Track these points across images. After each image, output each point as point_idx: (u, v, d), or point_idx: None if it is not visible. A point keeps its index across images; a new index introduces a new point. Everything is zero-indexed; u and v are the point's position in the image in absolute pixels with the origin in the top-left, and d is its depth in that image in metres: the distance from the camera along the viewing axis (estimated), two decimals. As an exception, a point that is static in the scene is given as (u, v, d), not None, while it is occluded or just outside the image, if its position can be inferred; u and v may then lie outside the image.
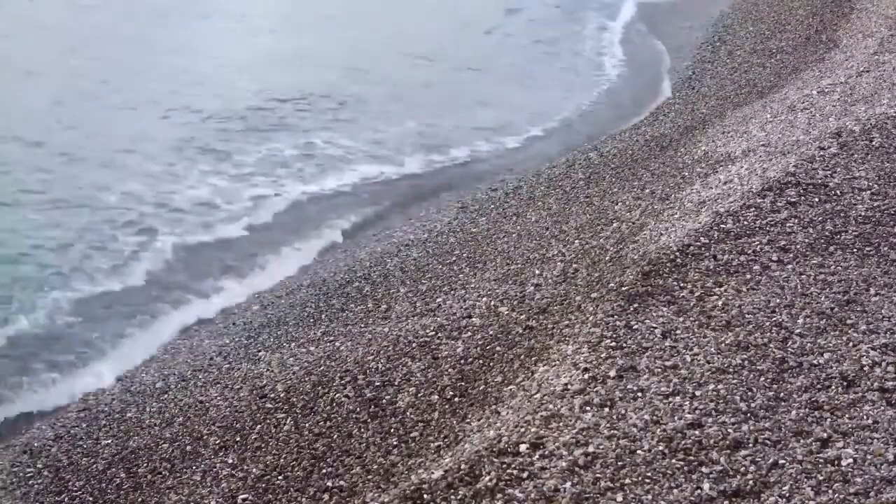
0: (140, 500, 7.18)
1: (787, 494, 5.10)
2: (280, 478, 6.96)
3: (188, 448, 7.62)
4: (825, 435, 5.57)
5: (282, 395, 7.96)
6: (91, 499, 7.23)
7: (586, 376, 6.17)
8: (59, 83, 16.97)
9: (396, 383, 7.64)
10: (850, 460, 5.34)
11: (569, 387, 6.09)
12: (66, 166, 13.61)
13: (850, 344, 6.53)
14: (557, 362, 6.65)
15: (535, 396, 6.22)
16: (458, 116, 17.13)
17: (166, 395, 8.50)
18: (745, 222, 8.38)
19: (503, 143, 16.19)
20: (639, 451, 5.40)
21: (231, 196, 13.22)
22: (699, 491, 5.11)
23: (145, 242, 11.73)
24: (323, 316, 9.66)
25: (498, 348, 7.62)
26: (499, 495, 5.16)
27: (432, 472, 5.57)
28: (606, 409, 5.79)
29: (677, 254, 7.86)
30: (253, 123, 16.04)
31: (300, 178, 13.99)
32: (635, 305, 7.07)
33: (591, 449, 5.41)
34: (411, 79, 19.38)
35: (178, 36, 21.40)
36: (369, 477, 6.59)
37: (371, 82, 18.81)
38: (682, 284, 7.37)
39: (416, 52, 21.44)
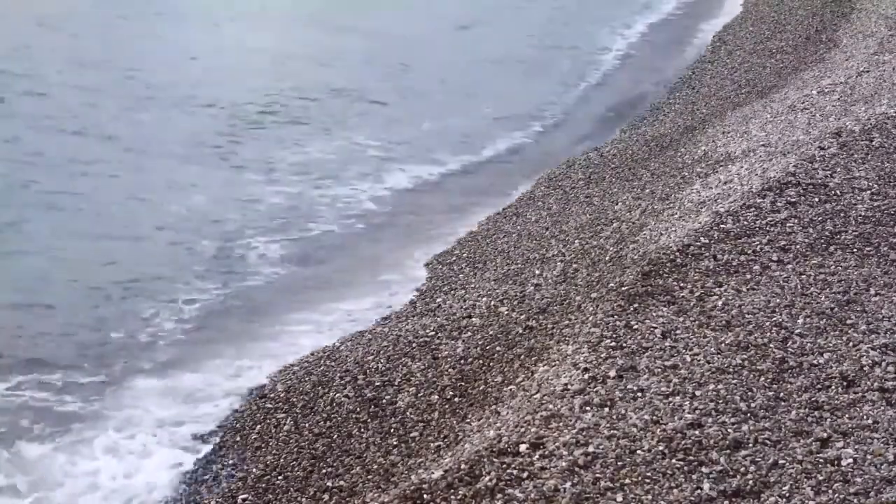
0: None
1: (787, 494, 5.10)
2: (280, 478, 6.96)
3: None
4: (825, 435, 5.56)
5: (282, 395, 7.96)
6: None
7: (586, 376, 6.17)
8: (67, 88, 16.88)
9: (396, 383, 7.64)
10: (850, 460, 5.34)
11: (569, 387, 6.09)
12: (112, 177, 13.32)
13: (850, 344, 6.53)
14: (557, 362, 6.65)
15: (535, 396, 6.22)
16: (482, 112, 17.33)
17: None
18: (745, 222, 8.38)
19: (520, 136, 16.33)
20: (639, 451, 5.40)
21: (310, 199, 13.00)
22: (699, 491, 5.11)
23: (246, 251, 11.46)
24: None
25: (498, 348, 7.62)
26: (499, 495, 5.16)
27: (432, 472, 5.57)
28: (606, 409, 5.78)
29: (677, 254, 7.86)
30: (279, 124, 16.04)
31: (365, 178, 13.89)
32: (635, 305, 7.07)
33: (591, 449, 5.41)
34: (430, 76, 19.51)
35: (193, 35, 21.51)
36: (369, 477, 6.59)
37: (379, 79, 18.87)
38: (682, 284, 7.36)
39: (425, 48, 21.58)
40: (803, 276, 7.47)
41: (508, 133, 16.31)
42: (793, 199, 8.83)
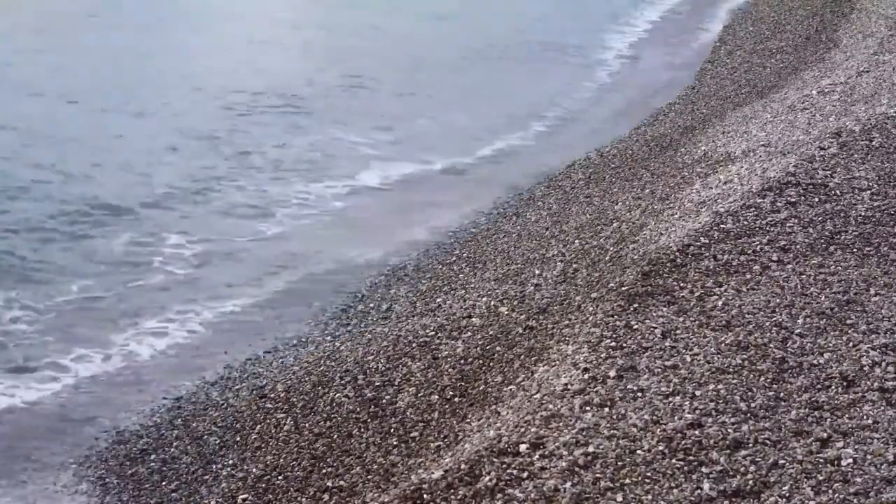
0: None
1: (787, 494, 5.09)
2: (280, 478, 6.96)
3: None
4: (825, 435, 5.56)
5: (282, 395, 7.96)
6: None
7: (586, 376, 6.17)
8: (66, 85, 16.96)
9: (396, 383, 7.64)
10: (850, 460, 5.34)
11: (569, 387, 6.08)
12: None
13: (850, 344, 6.53)
14: (557, 362, 6.65)
15: (535, 396, 6.22)
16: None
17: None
18: (745, 222, 8.38)
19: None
20: (639, 451, 5.39)
21: (272, 196, 12.97)
22: (699, 491, 5.11)
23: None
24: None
25: (498, 348, 7.62)
26: (499, 495, 5.16)
27: (432, 472, 5.57)
28: (606, 409, 5.78)
29: (677, 254, 7.86)
30: (271, 117, 16.10)
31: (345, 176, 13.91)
32: (635, 305, 7.07)
33: (591, 449, 5.41)
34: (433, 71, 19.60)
35: (203, 28, 21.78)
36: (369, 477, 6.59)
37: (379, 74, 18.94)
38: (682, 284, 7.36)
39: (426, 43, 21.67)
40: (803, 276, 7.47)
41: (507, 134, 16.28)
42: (793, 199, 8.83)
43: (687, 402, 5.83)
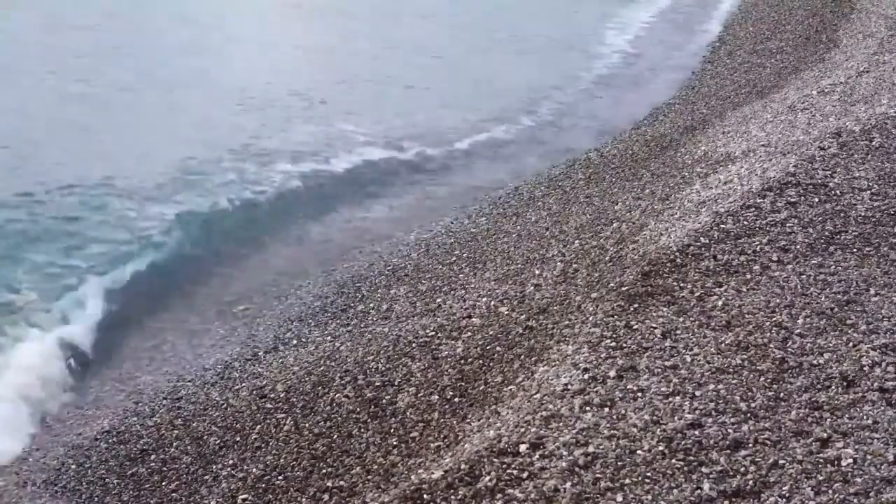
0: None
1: (787, 494, 5.09)
2: (280, 478, 6.96)
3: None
4: (825, 435, 5.56)
5: (282, 395, 7.96)
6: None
7: (586, 376, 6.17)
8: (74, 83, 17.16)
9: (396, 383, 7.64)
10: (850, 460, 5.34)
11: (569, 387, 6.09)
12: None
13: (850, 344, 6.53)
14: (557, 362, 6.65)
15: (535, 396, 6.22)
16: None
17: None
18: (745, 222, 8.38)
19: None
20: (639, 452, 5.40)
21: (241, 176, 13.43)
22: (699, 491, 5.11)
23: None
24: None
25: (498, 348, 7.62)
26: (499, 495, 5.16)
27: (432, 472, 5.57)
28: (606, 409, 5.79)
29: (677, 254, 7.86)
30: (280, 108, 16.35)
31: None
32: (635, 305, 7.07)
33: (591, 449, 5.41)
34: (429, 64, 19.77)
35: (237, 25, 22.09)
36: (369, 477, 6.59)
37: (380, 70, 19.07)
38: (682, 284, 7.36)
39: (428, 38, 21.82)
40: (803, 276, 7.47)
41: (493, 127, 16.32)
42: (793, 199, 8.83)
43: (687, 403, 5.83)
